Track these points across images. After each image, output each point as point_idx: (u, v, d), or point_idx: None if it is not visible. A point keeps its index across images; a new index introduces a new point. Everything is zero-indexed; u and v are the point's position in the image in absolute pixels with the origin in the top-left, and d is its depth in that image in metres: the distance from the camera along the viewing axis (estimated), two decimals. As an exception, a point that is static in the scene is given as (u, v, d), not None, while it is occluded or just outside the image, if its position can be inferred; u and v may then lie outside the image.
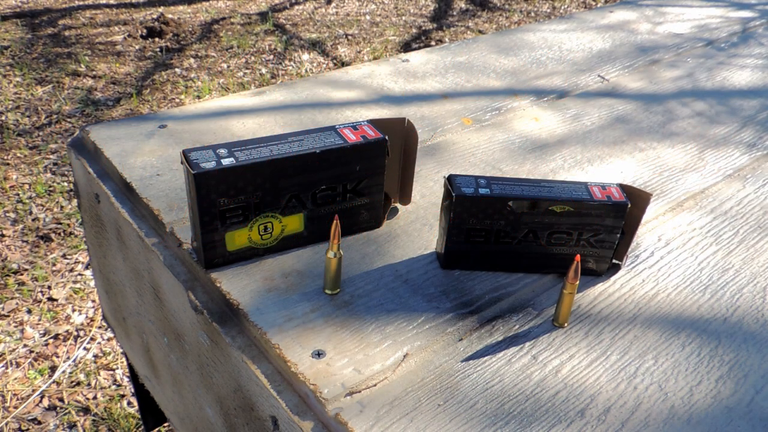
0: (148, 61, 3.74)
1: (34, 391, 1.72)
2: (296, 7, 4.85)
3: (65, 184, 2.58)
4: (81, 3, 4.61)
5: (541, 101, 1.28)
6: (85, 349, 1.87)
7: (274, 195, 0.76)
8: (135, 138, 1.05)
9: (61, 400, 1.71)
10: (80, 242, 2.27)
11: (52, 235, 2.30)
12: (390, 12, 4.86)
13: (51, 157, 2.77)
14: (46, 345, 1.87)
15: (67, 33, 4.07)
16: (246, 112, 1.16)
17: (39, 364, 1.80)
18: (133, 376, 1.32)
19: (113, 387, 1.76)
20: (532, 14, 4.88)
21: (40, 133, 2.94)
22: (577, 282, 0.70)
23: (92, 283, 2.10)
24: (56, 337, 1.90)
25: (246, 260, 0.79)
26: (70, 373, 1.79)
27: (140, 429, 1.64)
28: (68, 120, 3.06)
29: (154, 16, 4.36)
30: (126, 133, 1.06)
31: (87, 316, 1.98)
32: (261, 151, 0.75)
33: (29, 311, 1.98)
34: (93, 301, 2.04)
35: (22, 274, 2.12)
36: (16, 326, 1.92)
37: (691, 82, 1.41)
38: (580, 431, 0.61)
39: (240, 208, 0.75)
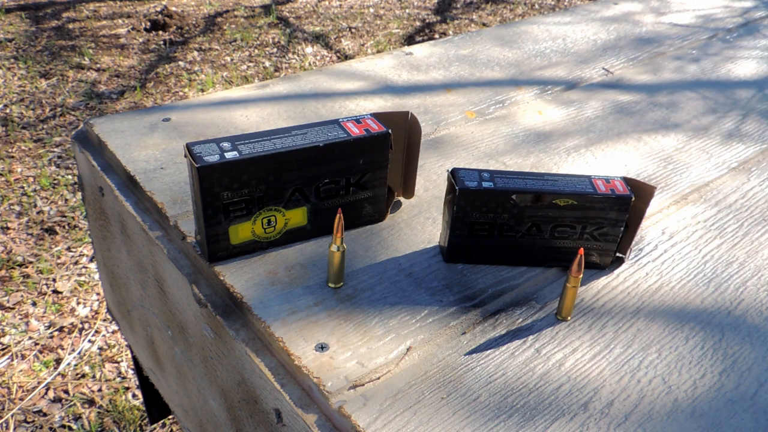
0: (152, 54, 3.74)
1: (39, 383, 1.73)
2: (299, -1, 4.83)
3: (69, 177, 2.59)
4: (84, -4, 4.60)
5: (545, 94, 1.28)
6: (89, 341, 1.88)
7: (277, 188, 0.76)
8: (139, 131, 1.05)
9: (66, 392, 1.72)
10: (85, 235, 2.28)
11: (57, 228, 2.31)
12: (393, 5, 4.84)
13: (55, 150, 2.77)
14: (51, 337, 1.88)
15: (70, 26, 4.07)
16: (249, 106, 1.16)
17: (44, 357, 1.81)
18: (138, 369, 1.33)
19: (118, 379, 1.76)
20: (536, 6, 4.85)
21: (45, 126, 2.94)
22: (581, 275, 0.70)
23: (97, 276, 2.10)
24: (61, 329, 1.91)
25: (249, 254, 0.80)
26: (75, 365, 1.80)
27: (145, 421, 1.65)
28: (72, 113, 3.06)
29: (158, 9, 4.35)
30: (130, 126, 1.07)
31: (92, 309, 1.99)
32: (264, 145, 0.75)
33: (34, 304, 1.99)
34: (97, 293, 2.05)
35: (27, 267, 2.12)
36: (21, 318, 1.93)
37: (696, 74, 1.40)
38: (584, 424, 0.61)
39: (243, 202, 0.75)
